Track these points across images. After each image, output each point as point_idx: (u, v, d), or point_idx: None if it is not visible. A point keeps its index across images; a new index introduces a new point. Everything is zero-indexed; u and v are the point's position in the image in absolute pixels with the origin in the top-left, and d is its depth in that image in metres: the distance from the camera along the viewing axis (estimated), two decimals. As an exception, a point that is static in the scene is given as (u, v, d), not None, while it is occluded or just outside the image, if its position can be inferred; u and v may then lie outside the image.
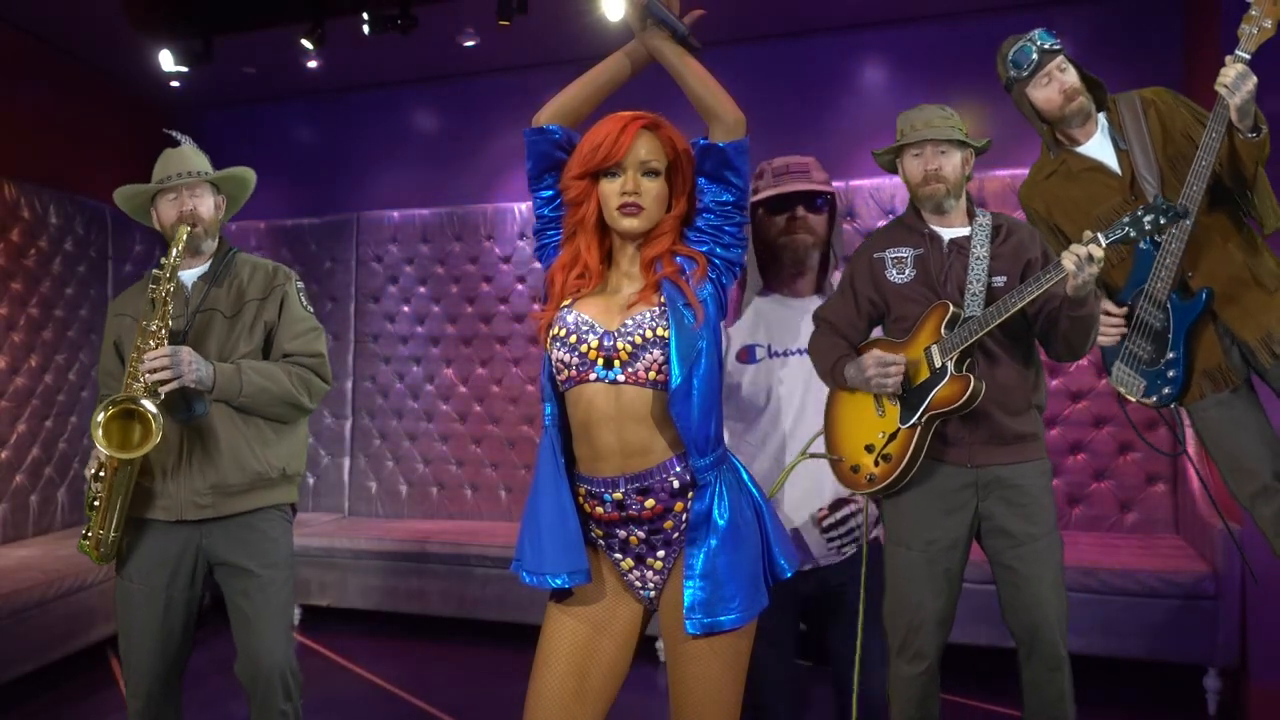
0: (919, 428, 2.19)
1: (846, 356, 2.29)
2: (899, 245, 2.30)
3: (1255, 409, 2.36)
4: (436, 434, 5.12)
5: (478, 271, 5.10)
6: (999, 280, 2.20)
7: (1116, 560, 3.48)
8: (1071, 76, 2.33)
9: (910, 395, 2.21)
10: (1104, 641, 3.34)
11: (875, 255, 2.32)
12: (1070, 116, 2.36)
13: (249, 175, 2.44)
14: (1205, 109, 2.25)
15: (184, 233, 2.22)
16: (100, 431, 2.07)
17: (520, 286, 5.03)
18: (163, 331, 2.15)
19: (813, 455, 2.36)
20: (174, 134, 2.43)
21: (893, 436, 2.22)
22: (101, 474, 2.15)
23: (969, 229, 2.25)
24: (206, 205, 2.33)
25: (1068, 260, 1.98)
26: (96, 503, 2.17)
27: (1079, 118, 2.37)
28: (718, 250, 1.66)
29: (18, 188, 4.33)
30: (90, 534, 2.19)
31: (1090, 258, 1.97)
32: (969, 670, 3.31)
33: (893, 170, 2.35)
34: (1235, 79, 2.10)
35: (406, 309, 5.21)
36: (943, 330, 2.18)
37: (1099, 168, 2.39)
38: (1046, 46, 2.31)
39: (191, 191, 2.30)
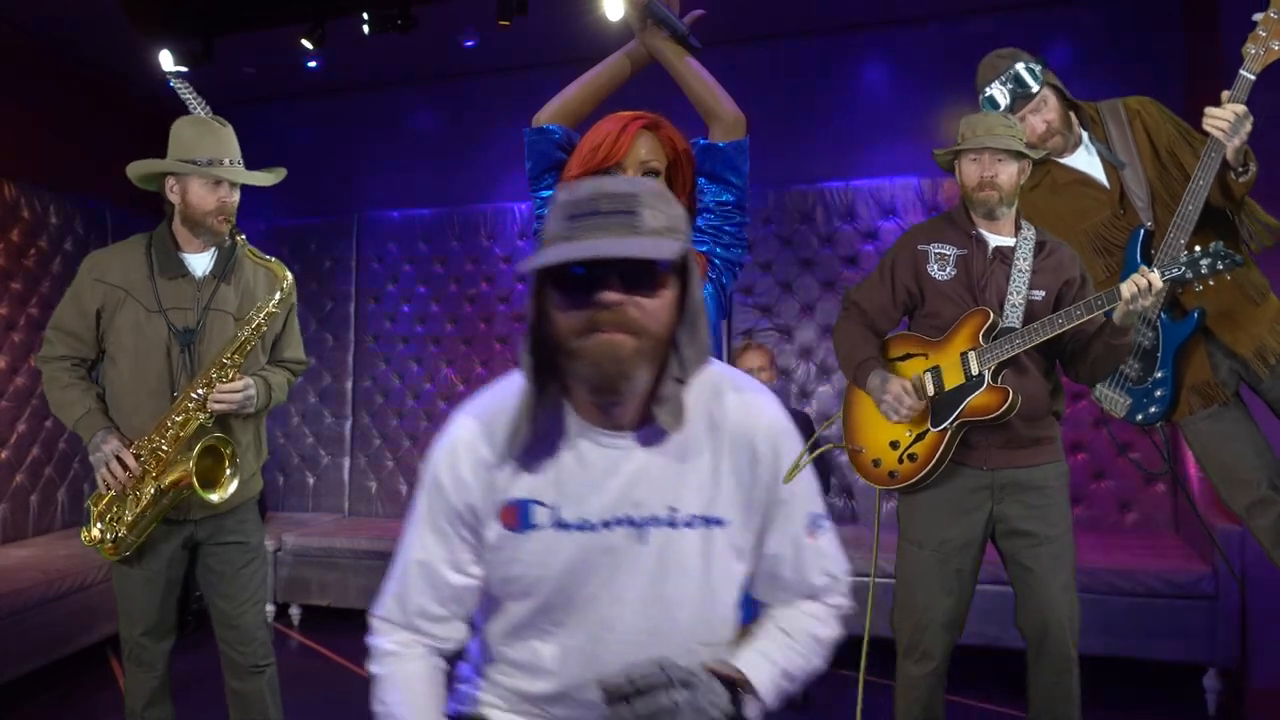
0: (949, 431, 2.19)
1: (874, 360, 2.29)
2: (944, 242, 2.29)
3: (1246, 420, 2.37)
4: (436, 434, 5.11)
5: (478, 271, 5.10)
6: (1037, 294, 2.21)
7: (1116, 560, 3.47)
8: (1047, 115, 2.34)
9: (944, 399, 2.21)
10: (1104, 641, 3.34)
11: (920, 247, 2.31)
12: (1048, 151, 2.40)
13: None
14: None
15: (287, 278, 2.32)
16: (195, 478, 2.20)
17: (520, 286, 5.02)
18: (239, 364, 2.24)
19: (834, 446, 2.37)
20: (203, 107, 2.38)
21: (920, 436, 2.23)
22: (158, 495, 2.22)
23: (1014, 240, 2.26)
24: (238, 194, 2.31)
25: (1127, 289, 2.01)
26: (140, 517, 2.24)
27: (1055, 152, 2.41)
28: (718, 250, 1.66)
29: (18, 188, 4.33)
30: (116, 538, 2.24)
31: (1149, 288, 2.00)
32: (971, 670, 3.31)
33: (950, 170, 2.34)
34: (1234, 124, 2.10)
35: (406, 309, 5.21)
36: (981, 338, 2.19)
37: (1086, 181, 2.40)
38: (1019, 92, 2.32)
39: (233, 182, 2.27)
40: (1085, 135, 2.41)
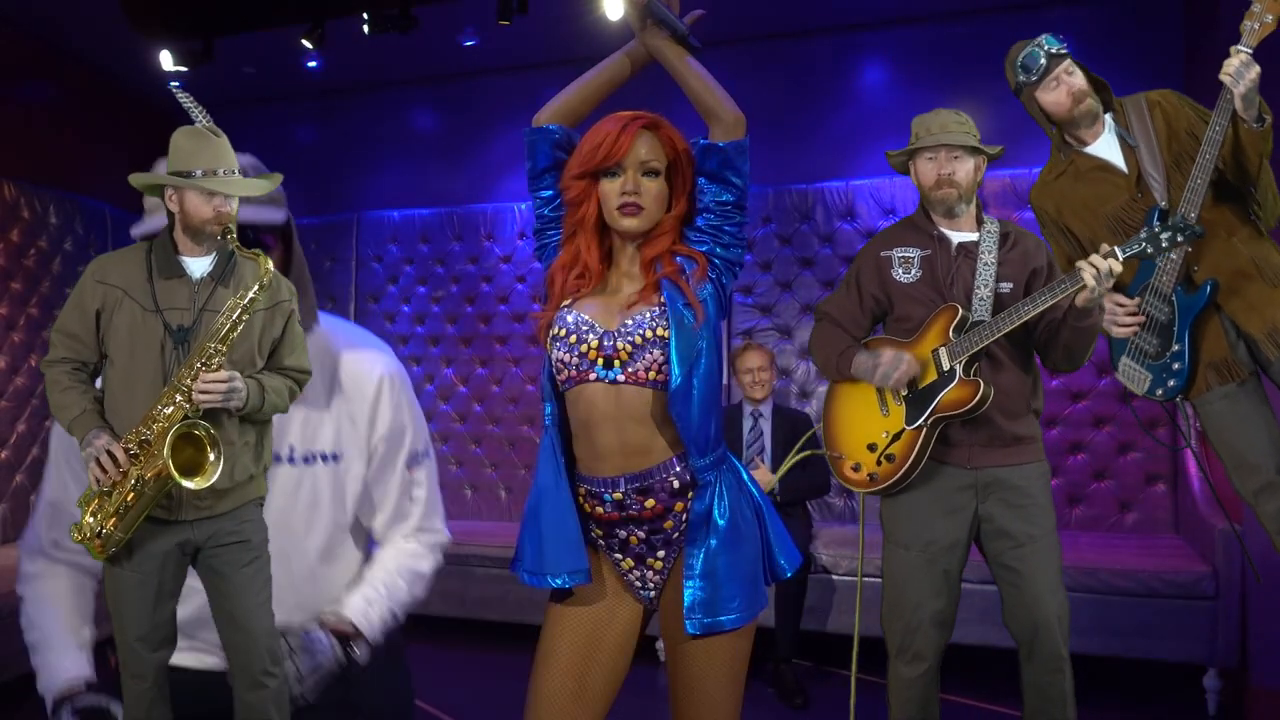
0: (924, 429, 2.19)
1: (853, 347, 2.30)
2: (907, 245, 2.30)
3: (1262, 404, 2.37)
4: (436, 434, 5.12)
5: (478, 271, 5.10)
6: (1005, 286, 2.22)
7: (1116, 560, 3.48)
8: (1079, 79, 2.36)
9: (916, 396, 2.22)
10: (1104, 641, 3.34)
11: (882, 253, 2.32)
12: (1079, 118, 2.39)
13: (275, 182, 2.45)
14: (1209, 110, 2.26)
15: (267, 265, 2.23)
16: (170, 462, 2.14)
17: (520, 286, 5.03)
18: (223, 352, 2.21)
19: (813, 452, 2.37)
20: (204, 116, 2.39)
21: (897, 436, 2.23)
22: (141, 486, 2.19)
23: (977, 234, 2.27)
24: (236, 203, 2.33)
25: (1087, 274, 2.00)
26: (122, 509, 2.20)
27: (1087, 119, 2.40)
28: (718, 250, 1.65)
29: (18, 188, 4.33)
30: (103, 533, 2.21)
31: (1110, 272, 1.99)
32: (969, 670, 3.32)
33: (904, 171, 2.36)
34: (1239, 68, 2.13)
35: (406, 309, 5.21)
36: (951, 334, 2.19)
37: (1106, 167, 2.42)
38: (1054, 51, 2.35)
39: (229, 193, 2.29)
40: (1109, 118, 2.43)
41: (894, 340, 2.30)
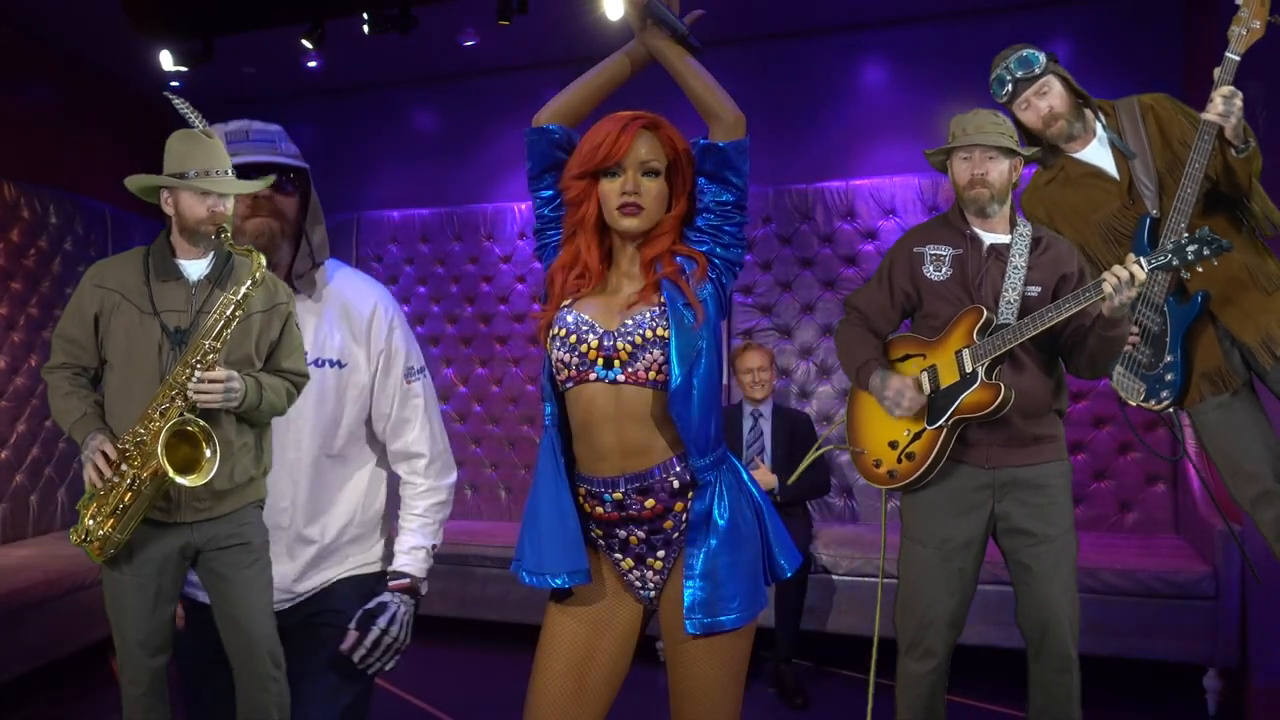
0: (945, 429, 2.21)
1: (876, 361, 2.31)
2: (939, 243, 2.31)
3: (1256, 412, 2.37)
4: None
5: (478, 271, 5.10)
6: (1033, 290, 2.22)
7: (1116, 560, 3.48)
8: (1051, 100, 2.36)
9: (939, 397, 2.23)
10: (1104, 641, 3.34)
11: (915, 249, 2.33)
12: (1053, 138, 2.41)
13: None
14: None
15: (260, 261, 2.22)
16: (165, 459, 2.13)
17: (520, 286, 5.03)
18: (218, 350, 2.21)
19: (836, 447, 2.39)
20: (200, 121, 2.39)
21: (918, 435, 2.24)
22: (138, 486, 2.18)
23: (1009, 236, 2.27)
24: (230, 203, 2.32)
25: (1108, 283, 2.00)
26: (119, 509, 2.19)
27: (1060, 138, 2.42)
28: (718, 250, 1.66)
29: (18, 188, 4.33)
30: (101, 534, 2.20)
31: (1131, 280, 1.98)
32: (972, 671, 3.31)
33: (943, 170, 2.36)
34: (1225, 105, 2.14)
35: (406, 309, 5.20)
36: (975, 336, 2.19)
37: (1097, 173, 2.41)
38: (1020, 75, 2.36)
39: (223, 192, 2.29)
40: (1100, 126, 2.43)
41: (918, 339, 2.31)
